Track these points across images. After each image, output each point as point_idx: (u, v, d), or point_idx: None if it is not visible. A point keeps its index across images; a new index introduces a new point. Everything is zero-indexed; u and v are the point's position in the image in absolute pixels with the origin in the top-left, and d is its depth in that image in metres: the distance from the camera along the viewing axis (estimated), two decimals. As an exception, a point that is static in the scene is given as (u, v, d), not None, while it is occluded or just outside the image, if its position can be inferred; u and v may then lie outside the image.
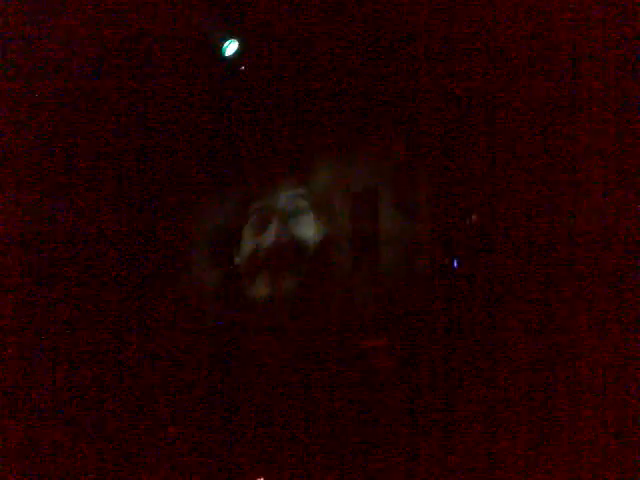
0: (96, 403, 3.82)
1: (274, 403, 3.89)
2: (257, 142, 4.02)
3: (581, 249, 3.42)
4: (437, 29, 3.61)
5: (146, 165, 3.99)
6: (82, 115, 3.91)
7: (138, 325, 3.87)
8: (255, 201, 4.06)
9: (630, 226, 3.32)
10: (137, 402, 3.85)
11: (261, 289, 3.97)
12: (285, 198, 4.02)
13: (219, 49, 3.97)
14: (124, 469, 3.78)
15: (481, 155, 3.64)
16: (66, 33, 3.80)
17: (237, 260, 4.03)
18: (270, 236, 4.00)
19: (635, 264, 3.34)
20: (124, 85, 3.97)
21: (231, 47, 3.99)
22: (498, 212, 3.62)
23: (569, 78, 3.57)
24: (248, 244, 4.03)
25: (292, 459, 3.87)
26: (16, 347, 3.80)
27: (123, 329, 3.86)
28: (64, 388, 3.82)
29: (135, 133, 3.99)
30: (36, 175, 3.85)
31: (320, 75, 3.91)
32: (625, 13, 3.40)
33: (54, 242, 3.86)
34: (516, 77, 3.55)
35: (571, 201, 3.48)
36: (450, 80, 3.68)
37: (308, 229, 3.98)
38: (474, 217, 3.83)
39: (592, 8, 3.45)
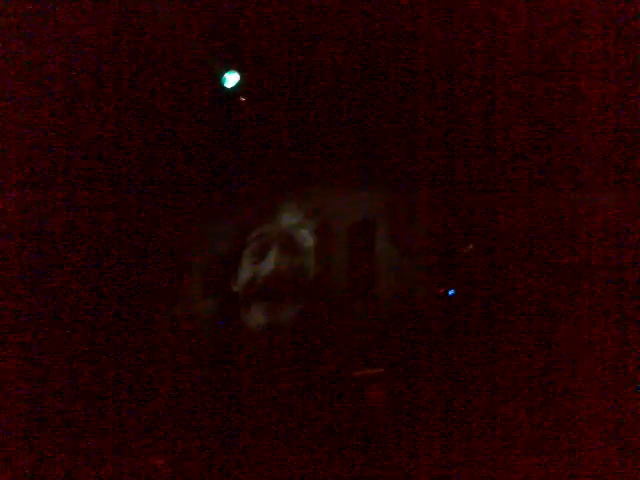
0: (93, 406, 3.79)
1: (266, 431, 3.84)
2: (257, 170, 4.05)
3: (582, 258, 3.39)
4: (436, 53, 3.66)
5: (145, 191, 4.02)
6: (80, 122, 3.95)
7: (136, 330, 3.85)
8: (254, 229, 4.06)
9: (630, 226, 3.29)
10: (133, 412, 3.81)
11: (257, 317, 3.94)
12: (284, 227, 4.02)
13: (219, 81, 4.05)
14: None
15: (479, 170, 3.64)
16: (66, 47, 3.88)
17: (235, 288, 4.01)
18: (268, 264, 3.99)
19: (635, 265, 3.30)
20: (122, 116, 4.03)
21: (231, 79, 4.07)
22: (498, 223, 3.60)
23: (569, 81, 3.56)
24: (246, 272, 4.02)
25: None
26: (16, 348, 3.79)
27: (122, 331, 3.84)
28: (62, 388, 3.80)
29: (133, 161, 4.04)
30: (36, 175, 3.88)
31: (320, 105, 3.95)
32: (625, 13, 3.40)
33: (54, 243, 3.87)
34: (514, 91, 3.57)
35: (571, 207, 3.45)
36: (447, 105, 3.71)
37: (306, 258, 3.97)
38: (470, 246, 3.81)
39: (592, 8, 3.46)
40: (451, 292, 3.75)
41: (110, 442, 3.84)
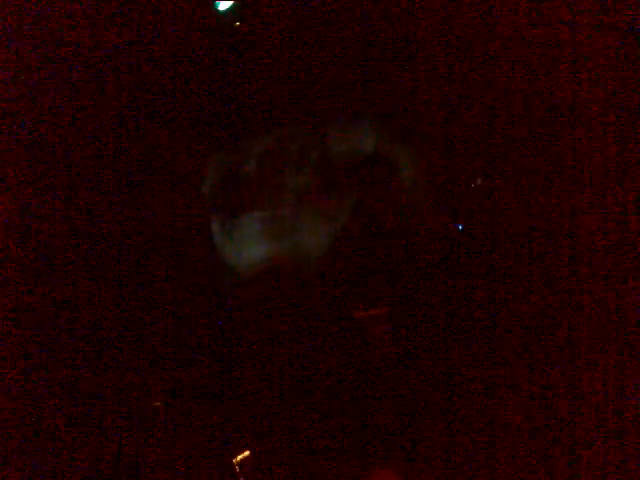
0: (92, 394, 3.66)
1: (264, 377, 3.72)
2: (251, 106, 3.86)
3: (580, 247, 3.42)
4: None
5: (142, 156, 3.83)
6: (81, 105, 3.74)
7: (138, 324, 3.72)
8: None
9: (630, 226, 3.33)
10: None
11: (252, 254, 3.79)
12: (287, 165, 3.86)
13: (212, 3, 3.81)
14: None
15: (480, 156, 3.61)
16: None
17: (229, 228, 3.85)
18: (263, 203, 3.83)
19: (635, 264, 3.35)
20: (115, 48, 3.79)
21: (225, 1, 3.83)
22: (497, 211, 3.59)
23: (569, 79, 3.56)
24: (241, 212, 3.85)
25: (284, 434, 3.70)
26: (16, 347, 3.63)
27: (123, 328, 3.70)
28: (62, 388, 3.66)
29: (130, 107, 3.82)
30: (36, 174, 3.68)
31: (322, 35, 3.78)
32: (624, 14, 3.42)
33: (53, 242, 3.69)
34: (516, 79, 3.54)
35: (571, 200, 3.47)
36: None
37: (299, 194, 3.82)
38: (479, 180, 3.73)
39: (593, 10, 3.46)
40: (460, 227, 3.68)
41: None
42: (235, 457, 3.51)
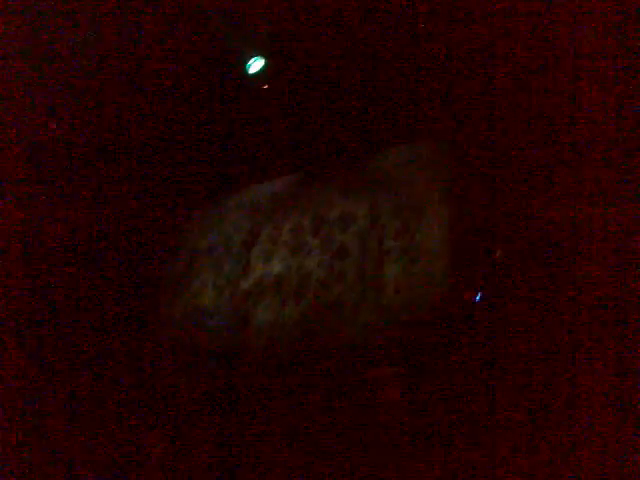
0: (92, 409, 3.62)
1: (273, 434, 3.64)
2: (274, 163, 3.88)
3: (581, 250, 3.32)
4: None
5: (151, 173, 3.86)
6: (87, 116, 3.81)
7: (136, 327, 3.68)
8: (263, 227, 3.88)
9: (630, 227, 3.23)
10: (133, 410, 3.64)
11: (265, 315, 3.76)
12: (293, 226, 3.85)
13: (243, 66, 3.88)
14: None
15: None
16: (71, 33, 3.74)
17: (243, 285, 3.82)
18: (277, 263, 3.81)
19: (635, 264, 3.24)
20: (135, 96, 3.88)
21: (255, 65, 3.90)
22: (498, 212, 3.52)
23: (569, 80, 3.51)
24: (255, 269, 3.84)
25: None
26: (16, 346, 3.63)
27: (121, 330, 3.66)
28: (61, 389, 3.64)
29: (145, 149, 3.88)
30: (36, 174, 3.73)
31: (343, 96, 3.81)
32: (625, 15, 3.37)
33: (54, 242, 3.71)
34: (517, 80, 3.50)
35: (572, 203, 3.39)
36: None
37: (315, 257, 3.79)
38: (499, 252, 3.67)
39: (593, 10, 3.42)
40: (478, 297, 3.60)
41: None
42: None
